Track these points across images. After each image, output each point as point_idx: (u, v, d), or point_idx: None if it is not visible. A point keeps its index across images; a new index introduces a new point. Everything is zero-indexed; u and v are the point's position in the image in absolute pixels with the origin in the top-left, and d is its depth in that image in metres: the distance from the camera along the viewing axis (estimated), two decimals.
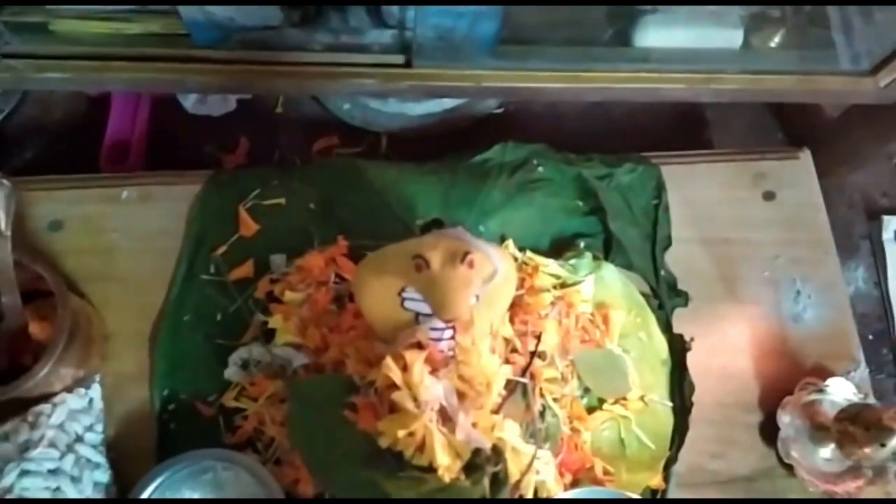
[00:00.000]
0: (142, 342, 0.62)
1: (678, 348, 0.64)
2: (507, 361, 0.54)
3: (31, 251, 0.55)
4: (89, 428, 0.57)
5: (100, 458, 0.56)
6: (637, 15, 0.64)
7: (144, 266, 0.64)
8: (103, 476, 0.56)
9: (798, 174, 0.73)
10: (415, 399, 0.49)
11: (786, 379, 0.64)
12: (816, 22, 0.66)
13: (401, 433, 0.48)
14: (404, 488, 0.49)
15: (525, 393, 0.54)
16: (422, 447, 0.49)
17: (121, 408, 0.60)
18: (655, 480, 0.60)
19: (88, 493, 0.54)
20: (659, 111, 0.88)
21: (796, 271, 0.69)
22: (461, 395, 0.50)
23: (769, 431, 0.63)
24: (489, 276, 0.48)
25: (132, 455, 0.58)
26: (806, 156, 0.74)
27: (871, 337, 0.82)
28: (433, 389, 0.49)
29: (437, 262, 0.46)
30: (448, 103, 0.80)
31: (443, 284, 0.46)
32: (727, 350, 0.66)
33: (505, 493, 0.51)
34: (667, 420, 0.63)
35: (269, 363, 0.59)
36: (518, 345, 0.56)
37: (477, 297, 0.50)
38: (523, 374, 0.53)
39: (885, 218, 0.86)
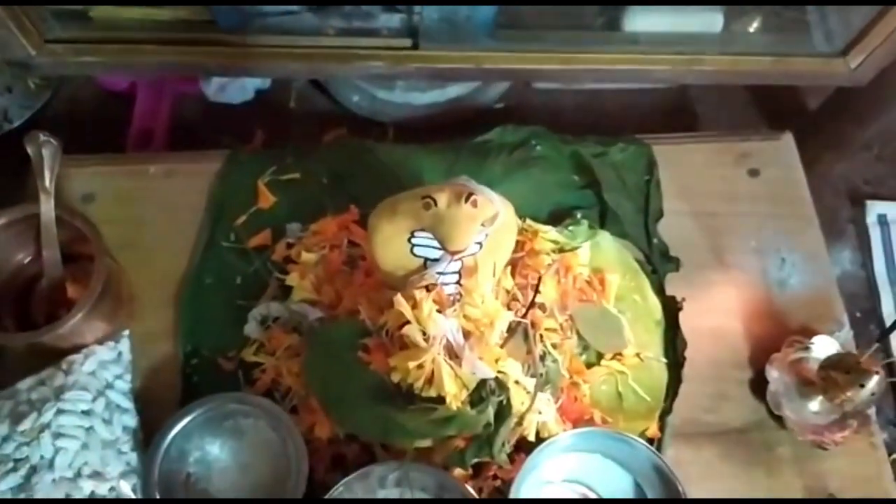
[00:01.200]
0: (167, 304, 0.66)
1: (671, 309, 0.68)
2: (507, 309, 0.58)
3: (69, 211, 0.60)
4: (118, 377, 0.60)
5: (128, 405, 0.60)
6: (623, 7, 0.70)
7: (169, 235, 0.69)
8: (131, 421, 0.59)
9: (780, 154, 0.77)
10: (424, 334, 0.53)
11: (773, 339, 0.68)
12: (792, 6, 0.72)
13: (411, 365, 0.52)
14: (415, 418, 0.53)
15: (526, 336, 0.58)
16: (430, 380, 0.53)
17: (146, 362, 0.64)
18: (651, 429, 0.63)
19: (118, 434, 0.57)
20: (651, 105, 0.94)
21: (781, 241, 0.73)
22: (466, 334, 0.54)
23: (759, 386, 0.66)
24: (491, 219, 0.52)
25: (157, 405, 0.61)
26: (788, 138, 0.78)
27: (858, 314, 0.86)
28: (441, 325, 0.53)
29: (444, 201, 0.50)
30: (452, 93, 0.85)
31: (449, 220, 0.50)
32: (717, 312, 0.70)
33: (508, 424, 0.55)
34: (661, 375, 0.66)
35: (286, 319, 0.63)
36: (519, 296, 0.60)
37: (480, 244, 0.55)
38: (524, 317, 0.56)
39: (868, 203, 0.91)
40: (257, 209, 0.70)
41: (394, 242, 0.54)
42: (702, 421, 0.65)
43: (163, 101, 0.86)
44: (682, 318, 0.68)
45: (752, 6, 0.70)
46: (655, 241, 0.71)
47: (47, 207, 0.57)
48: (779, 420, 0.65)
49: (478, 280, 0.55)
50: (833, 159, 0.89)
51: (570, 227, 0.69)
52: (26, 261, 0.62)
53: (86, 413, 0.57)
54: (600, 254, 0.69)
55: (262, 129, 0.85)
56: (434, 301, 0.53)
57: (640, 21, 0.70)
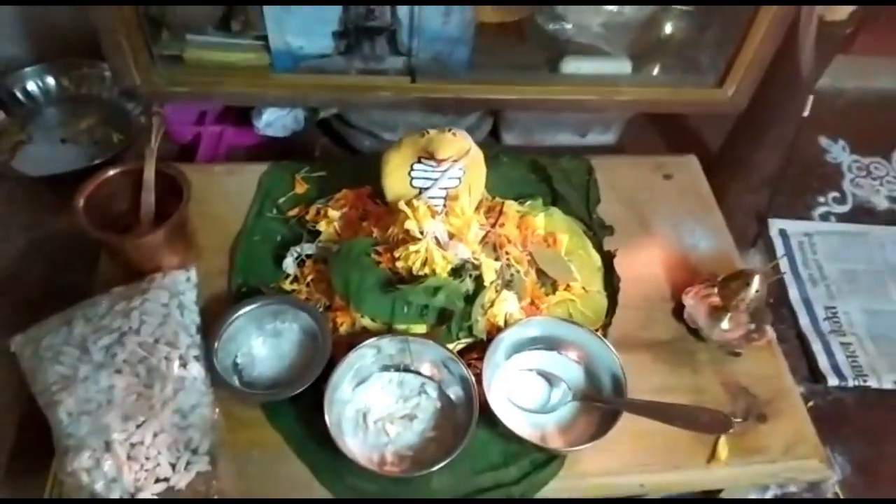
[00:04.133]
0: (223, 253, 0.86)
1: (608, 258, 0.89)
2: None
3: (167, 164, 0.82)
4: (188, 290, 0.79)
5: (194, 307, 0.78)
6: (562, 52, 0.98)
7: (227, 211, 0.91)
8: (196, 318, 0.77)
9: (688, 166, 1.03)
10: (420, 230, 0.74)
11: (688, 282, 0.88)
12: (685, 49, 1.00)
13: (412, 249, 0.73)
14: (414, 289, 0.73)
15: (495, 247, 0.78)
16: (424, 262, 0.73)
17: (206, 292, 0.82)
18: None
19: (188, 323, 0.75)
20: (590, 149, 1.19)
21: (691, 221, 0.96)
22: (449, 235, 0.75)
23: (679, 313, 0.85)
24: (466, 150, 0.75)
25: (212, 323, 0.79)
26: (692, 157, 1.04)
27: (771, 300, 1.06)
28: (431, 224, 0.74)
29: (434, 131, 0.74)
30: None
31: (437, 139, 0.74)
32: (645, 263, 0.90)
33: (482, 298, 0.74)
34: (602, 302, 0.86)
35: (315, 254, 0.83)
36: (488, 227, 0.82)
37: (459, 179, 0.77)
38: (493, 227, 0.78)
39: (770, 220, 1.14)
40: (294, 194, 0.93)
41: (398, 173, 0.77)
42: (637, 336, 0.83)
43: (220, 149, 1.12)
44: (617, 267, 0.88)
45: (653, 55, 0.99)
46: (595, 216, 0.94)
47: (150, 162, 0.80)
48: (695, 333, 0.84)
49: (458, 201, 0.77)
50: (740, 190, 1.13)
51: (529, 203, 0.92)
52: (125, 209, 0.83)
53: (164, 305, 0.76)
54: (552, 221, 0.91)
55: None
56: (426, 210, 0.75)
57: (572, 65, 0.98)
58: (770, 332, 0.84)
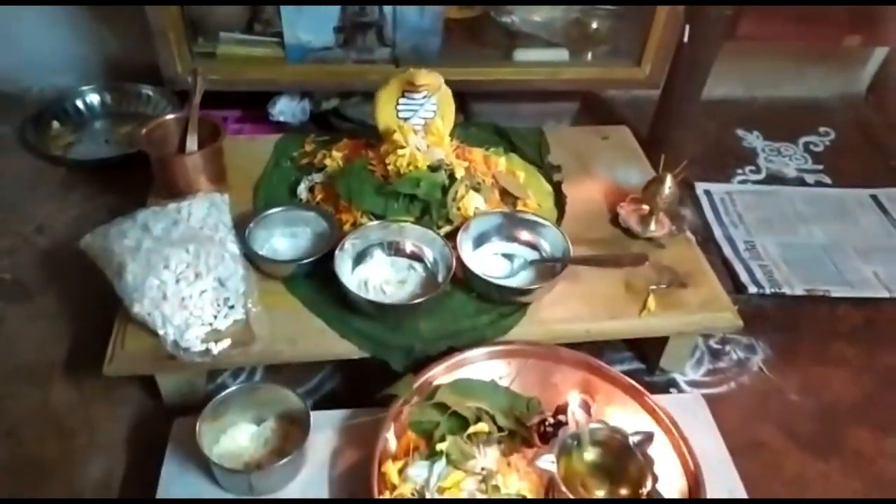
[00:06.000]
0: (248, 190, 1.07)
1: (557, 186, 1.11)
2: None
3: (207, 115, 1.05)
4: (222, 203, 0.99)
5: (227, 210, 0.98)
6: (514, 43, 1.25)
7: (251, 164, 1.12)
8: (230, 220, 0.97)
9: (621, 132, 1.27)
10: (405, 140, 0.96)
11: (622, 200, 1.09)
12: (609, 38, 1.27)
13: (399, 153, 0.95)
14: (401, 182, 0.94)
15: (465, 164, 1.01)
16: (408, 163, 0.95)
17: (235, 214, 1.03)
18: None
19: (225, 219, 0.95)
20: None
21: (623, 164, 1.18)
22: (427, 146, 0.98)
23: (616, 222, 1.07)
24: (438, 86, 0.99)
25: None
26: (624, 127, 1.28)
27: (700, 240, 1.27)
28: (415, 137, 0.97)
29: (413, 70, 0.98)
30: None
31: (416, 72, 0.97)
32: (587, 190, 1.12)
33: (455, 186, 0.95)
34: (553, 215, 1.07)
35: (323, 180, 1.05)
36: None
37: (434, 112, 1.01)
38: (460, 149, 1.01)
39: (696, 184, 1.38)
40: (304, 151, 1.15)
41: (387, 107, 1.01)
42: (582, 235, 1.03)
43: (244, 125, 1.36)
44: (564, 192, 1.10)
45: (586, 44, 1.27)
46: (546, 161, 1.17)
47: (194, 111, 1.03)
48: (630, 235, 1.04)
49: (434, 124, 1.00)
50: (668, 162, 1.37)
51: (493, 150, 1.15)
52: (174, 150, 1.05)
53: (206, 207, 0.96)
54: (511, 162, 1.14)
55: None
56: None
57: (522, 54, 1.25)
58: (688, 231, 1.05)
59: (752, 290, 1.17)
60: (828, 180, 1.44)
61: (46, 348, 1.01)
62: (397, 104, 1.01)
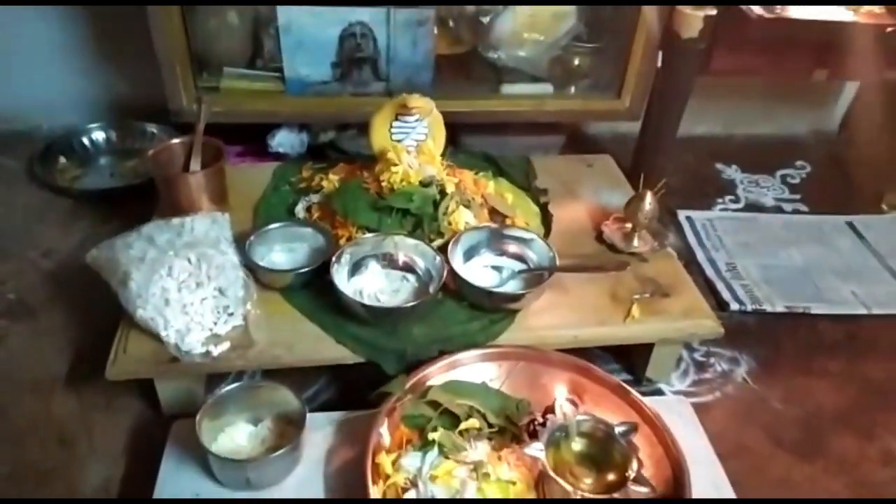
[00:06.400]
0: (248, 210, 1.12)
1: (544, 207, 1.16)
2: None
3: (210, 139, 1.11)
4: (224, 221, 1.04)
5: (228, 228, 1.02)
6: (501, 77, 1.33)
7: (251, 189, 1.17)
8: (230, 235, 1.01)
9: (605, 160, 1.33)
10: (398, 159, 1.02)
11: (606, 219, 1.15)
12: (591, 73, 1.35)
13: (393, 170, 1.00)
14: (394, 196, 0.99)
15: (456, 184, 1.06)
16: (402, 179, 1.01)
17: (235, 231, 1.07)
18: None
19: (227, 235, 1.00)
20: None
21: (607, 188, 1.24)
22: (420, 163, 1.03)
23: (600, 239, 1.11)
24: (430, 110, 1.06)
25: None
26: (608, 156, 1.35)
27: (684, 262, 1.32)
28: (408, 156, 1.02)
29: (406, 95, 1.05)
30: None
31: (409, 97, 1.04)
32: (573, 211, 1.17)
33: (446, 201, 1.00)
34: (540, 232, 1.11)
35: (320, 200, 1.10)
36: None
37: (425, 135, 1.07)
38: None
39: (679, 211, 1.43)
40: (301, 177, 1.21)
41: (381, 130, 1.07)
42: (567, 251, 1.07)
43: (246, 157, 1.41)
44: (551, 211, 1.16)
45: (568, 79, 1.34)
46: (533, 185, 1.23)
47: (198, 136, 1.09)
48: (614, 250, 1.09)
49: (426, 144, 1.06)
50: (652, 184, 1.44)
51: (482, 174, 1.20)
52: (178, 171, 1.10)
53: (208, 224, 1.01)
54: (500, 186, 1.20)
55: None
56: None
57: (509, 87, 1.32)
58: (669, 248, 1.10)
59: (735, 307, 1.21)
60: (805, 209, 1.51)
61: (49, 362, 1.03)
62: (391, 127, 1.07)
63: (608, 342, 1.00)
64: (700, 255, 1.33)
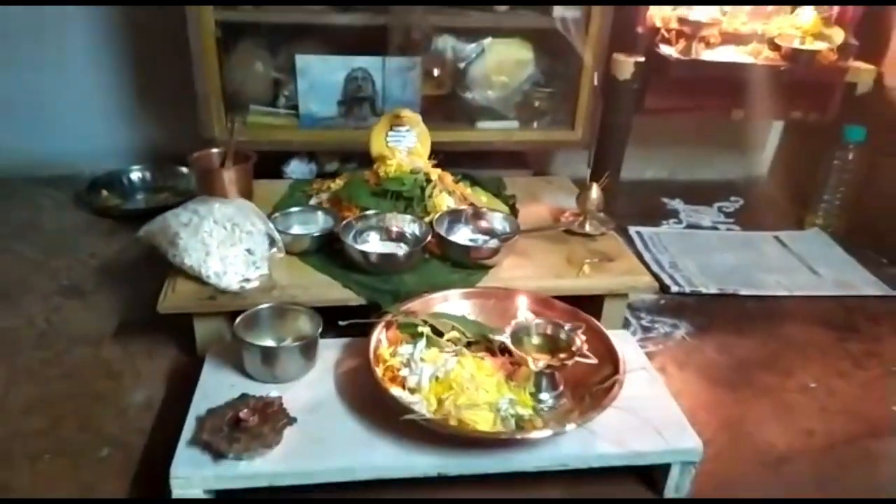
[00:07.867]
0: (269, 209, 1.36)
1: (512, 206, 1.41)
2: None
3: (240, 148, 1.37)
4: (252, 206, 1.28)
5: (257, 209, 1.26)
6: (476, 114, 1.62)
7: (270, 196, 1.42)
8: (258, 210, 1.25)
9: (563, 179, 1.60)
10: (393, 155, 1.28)
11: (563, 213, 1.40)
12: (549, 111, 1.65)
13: (388, 163, 1.26)
14: (390, 181, 1.24)
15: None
16: (395, 170, 1.26)
17: None
18: None
19: (254, 208, 1.23)
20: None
21: (565, 197, 1.50)
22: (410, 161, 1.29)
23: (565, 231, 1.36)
24: (418, 122, 1.33)
25: None
26: (566, 177, 1.62)
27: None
28: (401, 154, 1.29)
29: (398, 110, 1.32)
30: None
31: (401, 110, 1.31)
32: (536, 210, 1.42)
33: (430, 189, 1.25)
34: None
35: (329, 197, 1.35)
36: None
37: (415, 141, 1.34)
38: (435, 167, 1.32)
39: (629, 227, 1.69)
40: (312, 187, 1.46)
41: (379, 137, 1.34)
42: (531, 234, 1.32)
43: None
44: (518, 208, 1.41)
45: (531, 116, 1.63)
46: (503, 193, 1.48)
47: (231, 145, 1.35)
48: (569, 233, 1.33)
49: (415, 148, 1.33)
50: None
51: (461, 182, 1.46)
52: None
53: (240, 203, 1.24)
54: (475, 191, 1.45)
55: None
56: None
57: (482, 123, 1.61)
58: (614, 230, 1.35)
59: (675, 289, 1.44)
60: (737, 229, 1.77)
61: (96, 325, 1.23)
62: (387, 136, 1.34)
63: (564, 292, 1.21)
64: (647, 257, 1.57)
